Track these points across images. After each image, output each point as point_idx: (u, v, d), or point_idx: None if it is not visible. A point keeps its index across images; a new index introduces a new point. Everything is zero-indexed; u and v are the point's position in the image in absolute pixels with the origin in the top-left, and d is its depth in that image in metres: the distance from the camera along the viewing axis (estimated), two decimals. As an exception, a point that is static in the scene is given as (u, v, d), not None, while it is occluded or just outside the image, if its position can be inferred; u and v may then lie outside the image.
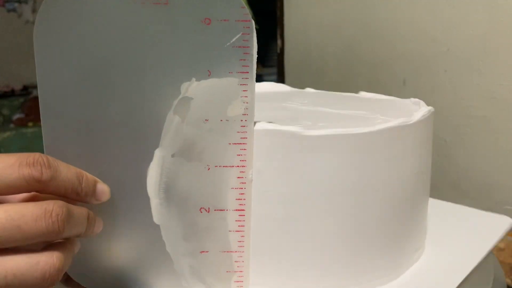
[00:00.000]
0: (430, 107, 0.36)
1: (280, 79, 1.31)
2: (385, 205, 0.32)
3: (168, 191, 0.30)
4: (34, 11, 4.19)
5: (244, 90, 0.29)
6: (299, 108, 0.39)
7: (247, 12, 0.29)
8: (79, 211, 0.26)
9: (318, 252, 0.31)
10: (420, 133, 0.33)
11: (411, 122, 0.32)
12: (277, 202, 0.31)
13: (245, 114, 0.30)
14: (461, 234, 0.39)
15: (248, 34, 0.29)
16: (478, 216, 0.42)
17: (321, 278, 0.32)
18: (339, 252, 0.32)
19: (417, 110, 0.36)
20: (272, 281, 0.32)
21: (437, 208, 0.44)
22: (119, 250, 0.30)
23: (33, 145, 2.71)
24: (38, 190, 0.25)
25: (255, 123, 0.30)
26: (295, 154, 0.30)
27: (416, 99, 0.40)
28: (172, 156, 0.29)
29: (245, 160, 0.30)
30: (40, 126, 0.28)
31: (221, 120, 0.29)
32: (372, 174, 0.31)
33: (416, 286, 0.33)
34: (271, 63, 2.94)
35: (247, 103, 0.29)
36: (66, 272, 0.30)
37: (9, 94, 3.67)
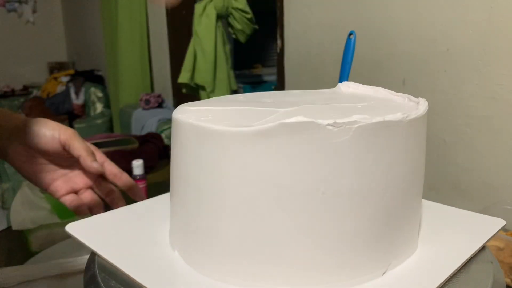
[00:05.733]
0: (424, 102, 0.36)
1: (280, 79, 1.31)
2: (376, 202, 0.32)
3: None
4: (34, 11, 4.18)
5: None
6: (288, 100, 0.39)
7: None
8: None
9: (311, 248, 0.32)
10: (414, 130, 0.34)
11: (408, 119, 0.32)
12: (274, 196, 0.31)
13: None
14: (453, 233, 0.40)
15: None
16: (472, 217, 0.43)
17: (311, 274, 0.32)
18: (330, 248, 0.32)
19: (413, 106, 0.36)
20: (264, 277, 0.32)
21: (431, 209, 0.45)
22: None
23: (33, 145, 2.70)
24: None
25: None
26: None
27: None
28: None
29: None
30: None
31: None
32: (365, 171, 0.31)
33: (405, 282, 0.33)
34: (271, 63, 2.95)
35: None
36: None
37: (10, 94, 3.68)
